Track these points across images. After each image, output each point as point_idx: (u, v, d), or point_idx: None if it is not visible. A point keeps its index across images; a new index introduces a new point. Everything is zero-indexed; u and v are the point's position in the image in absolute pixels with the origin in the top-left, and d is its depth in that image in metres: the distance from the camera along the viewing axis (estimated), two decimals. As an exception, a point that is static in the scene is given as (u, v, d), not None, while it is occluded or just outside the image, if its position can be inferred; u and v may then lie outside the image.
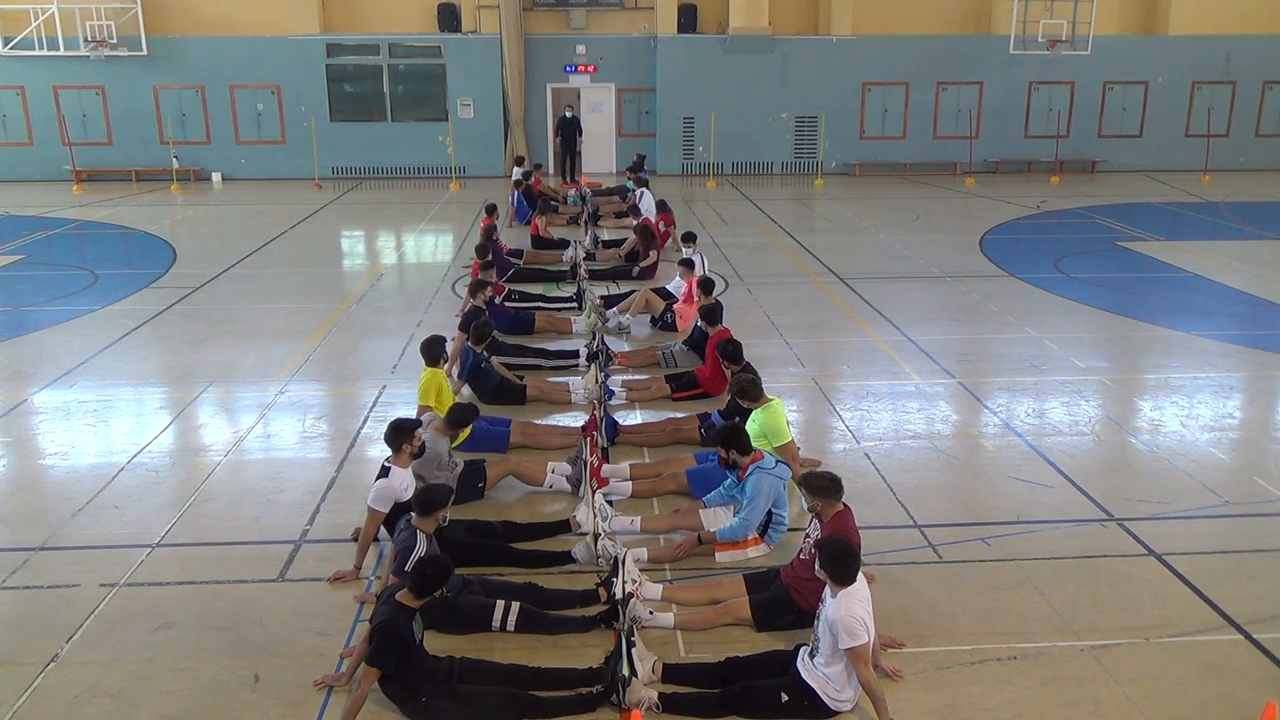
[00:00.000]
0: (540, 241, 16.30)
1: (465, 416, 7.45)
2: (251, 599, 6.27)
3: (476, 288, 10.89)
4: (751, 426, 7.43)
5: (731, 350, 8.66)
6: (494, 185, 23.94)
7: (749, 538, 6.74)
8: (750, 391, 7.67)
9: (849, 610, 4.93)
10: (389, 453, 6.61)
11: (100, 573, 6.55)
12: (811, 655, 5.20)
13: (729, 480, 7.06)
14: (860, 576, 5.14)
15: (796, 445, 7.82)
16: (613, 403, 9.39)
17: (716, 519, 6.97)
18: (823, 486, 5.74)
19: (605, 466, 7.73)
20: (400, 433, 6.61)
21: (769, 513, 6.74)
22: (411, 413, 8.12)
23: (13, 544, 6.98)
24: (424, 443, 6.78)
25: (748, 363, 8.75)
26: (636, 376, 10.18)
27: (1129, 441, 8.82)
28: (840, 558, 5.06)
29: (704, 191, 23.76)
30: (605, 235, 17.11)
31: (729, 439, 6.80)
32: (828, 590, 5.11)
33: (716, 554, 6.71)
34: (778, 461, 6.89)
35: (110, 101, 24.93)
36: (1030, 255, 16.64)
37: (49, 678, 5.48)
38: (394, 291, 14.45)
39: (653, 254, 14.67)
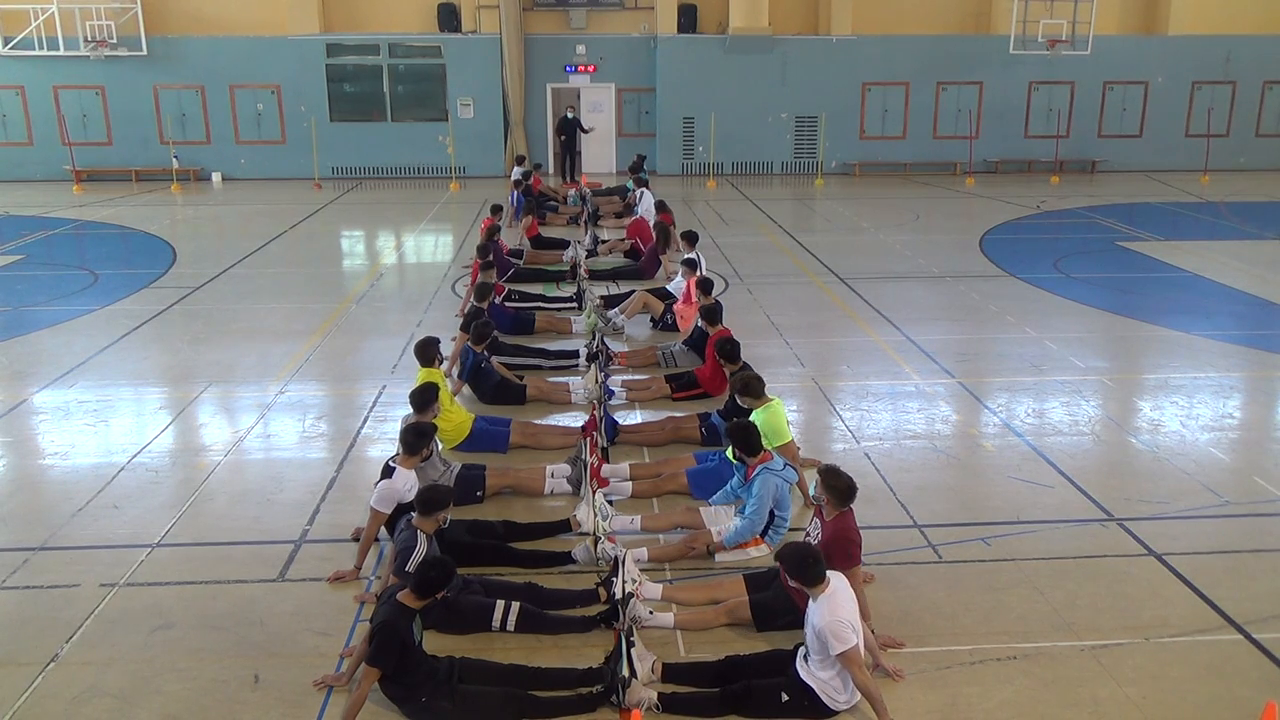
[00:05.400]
0: (540, 241, 16.30)
1: (427, 397, 7.43)
2: (251, 599, 6.27)
3: (482, 292, 10.83)
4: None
5: (729, 349, 8.66)
6: (494, 185, 23.94)
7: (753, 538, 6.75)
8: (754, 387, 7.65)
9: (832, 615, 4.94)
10: (389, 453, 6.62)
11: (100, 573, 6.55)
12: (806, 659, 5.20)
13: (735, 479, 7.06)
14: (837, 575, 5.15)
15: (796, 445, 7.82)
16: (613, 403, 9.39)
17: (718, 518, 6.98)
18: (840, 490, 5.73)
19: (605, 466, 7.73)
20: (423, 436, 6.63)
21: (770, 513, 6.73)
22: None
23: (13, 544, 6.98)
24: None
25: (745, 362, 8.76)
26: (636, 376, 10.18)
27: (1129, 441, 8.82)
28: (802, 562, 5.09)
29: (704, 191, 23.76)
30: (605, 235, 17.11)
31: (738, 438, 6.79)
32: (810, 599, 5.11)
33: (716, 553, 6.71)
34: (785, 464, 6.88)
35: (110, 101, 24.93)
36: (1030, 255, 16.64)
37: (49, 678, 5.48)
38: (394, 291, 14.45)
39: (663, 259, 14.62)
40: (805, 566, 5.07)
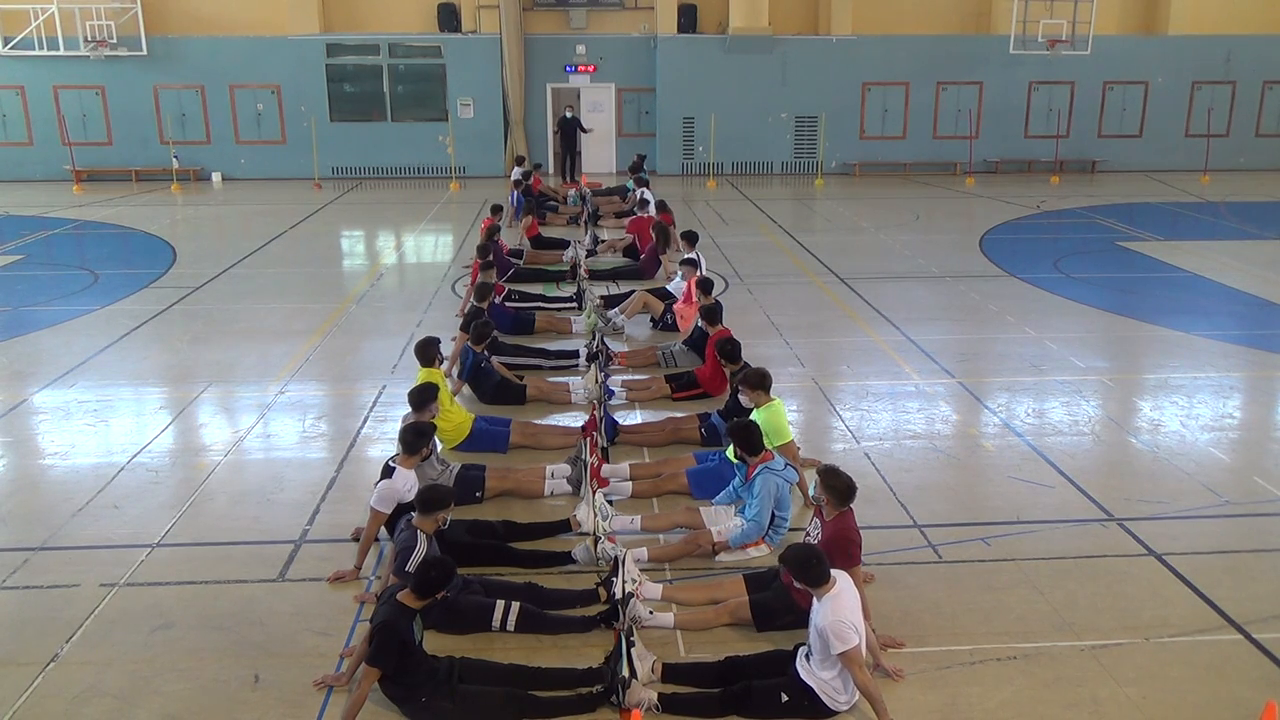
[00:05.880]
0: (540, 241, 16.30)
1: (425, 396, 7.43)
2: (251, 599, 6.27)
3: (482, 292, 10.82)
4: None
5: (730, 350, 8.66)
6: (494, 185, 23.94)
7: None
8: (766, 380, 7.63)
9: (835, 615, 4.94)
10: (389, 453, 6.62)
11: (100, 573, 6.55)
12: (807, 658, 5.20)
13: (736, 479, 7.06)
14: (842, 575, 5.15)
15: (797, 445, 7.82)
16: (613, 403, 9.39)
17: (718, 518, 6.98)
18: (839, 489, 5.73)
19: (605, 466, 7.73)
20: (422, 436, 6.63)
21: (771, 513, 6.73)
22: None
23: (13, 544, 6.98)
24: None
25: (745, 362, 8.76)
26: (636, 376, 10.18)
27: (1129, 441, 8.82)
28: (805, 563, 5.09)
29: (704, 191, 23.76)
30: (605, 235, 17.12)
31: (740, 437, 6.78)
32: (814, 599, 5.12)
33: (719, 554, 6.71)
34: (786, 464, 6.88)
35: (110, 101, 24.93)
36: (1030, 255, 16.64)
37: (49, 678, 5.48)
38: (394, 291, 14.45)
39: (663, 259, 14.61)
40: (808, 567, 5.07)
